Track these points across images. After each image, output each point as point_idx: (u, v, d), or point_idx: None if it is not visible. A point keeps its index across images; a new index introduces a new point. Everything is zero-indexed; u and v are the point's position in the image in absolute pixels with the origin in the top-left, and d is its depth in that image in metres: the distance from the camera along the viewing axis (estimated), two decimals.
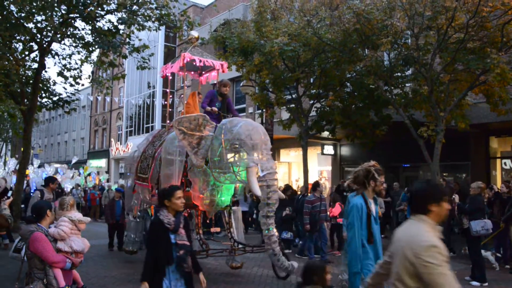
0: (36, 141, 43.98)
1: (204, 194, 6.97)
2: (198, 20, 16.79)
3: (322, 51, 11.81)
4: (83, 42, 13.28)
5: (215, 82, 8.94)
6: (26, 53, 13.91)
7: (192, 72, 9.40)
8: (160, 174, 7.62)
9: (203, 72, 9.26)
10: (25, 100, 13.56)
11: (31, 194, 13.70)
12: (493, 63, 8.54)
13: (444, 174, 12.90)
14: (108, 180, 28.25)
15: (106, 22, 13.29)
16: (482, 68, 9.16)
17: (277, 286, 7.13)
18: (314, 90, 13.24)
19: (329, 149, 16.69)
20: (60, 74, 14.05)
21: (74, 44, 13.65)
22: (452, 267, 2.40)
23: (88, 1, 12.22)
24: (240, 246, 7.55)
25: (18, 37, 13.13)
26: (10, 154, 39.19)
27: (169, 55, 28.41)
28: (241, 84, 14.88)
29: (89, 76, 15.45)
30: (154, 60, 21.63)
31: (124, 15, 12.62)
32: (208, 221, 9.99)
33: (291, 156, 19.17)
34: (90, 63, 14.49)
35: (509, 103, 9.72)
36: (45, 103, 15.20)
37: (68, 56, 14.27)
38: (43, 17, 12.32)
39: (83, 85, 15.96)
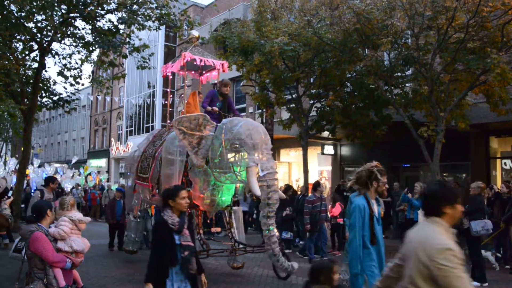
0: (36, 141, 43.98)
1: (205, 194, 6.96)
2: (198, 20, 16.78)
3: (322, 51, 11.81)
4: (83, 41, 13.28)
5: (216, 82, 8.93)
6: (26, 52, 13.92)
7: (193, 72, 9.39)
8: (160, 174, 7.62)
9: (204, 72, 9.26)
10: (25, 100, 13.57)
11: (32, 194, 13.70)
12: (493, 63, 8.54)
13: (444, 174, 12.90)
14: (108, 180, 28.26)
15: (106, 21, 13.30)
16: (482, 68, 9.16)
17: (278, 287, 7.13)
18: (314, 90, 13.24)
19: (329, 149, 16.68)
20: (60, 73, 14.06)
21: (74, 44, 13.65)
22: None
23: (88, 1, 12.22)
24: (240, 246, 7.54)
25: (18, 37, 13.13)
26: (10, 154, 39.20)
27: (169, 55, 28.39)
28: (241, 84, 14.87)
29: (89, 75, 15.45)
30: (154, 59, 21.62)
31: (124, 15, 12.62)
32: (208, 221, 10.01)
33: (291, 156, 19.17)
34: (90, 62, 14.49)
35: (509, 103, 9.72)
36: (45, 103, 15.21)
37: (68, 56, 14.28)
38: (43, 16, 12.31)
39: (83, 84, 15.96)
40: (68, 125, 45.24)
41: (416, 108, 11.10)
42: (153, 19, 13.01)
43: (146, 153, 8.47)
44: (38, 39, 12.90)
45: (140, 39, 13.37)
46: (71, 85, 14.52)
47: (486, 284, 7.16)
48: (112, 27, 13.04)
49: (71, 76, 14.30)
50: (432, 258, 2.22)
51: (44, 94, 14.82)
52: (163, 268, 3.58)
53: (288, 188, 11.60)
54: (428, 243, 2.28)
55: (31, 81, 13.95)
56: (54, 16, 12.16)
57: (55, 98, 15.04)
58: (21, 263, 4.42)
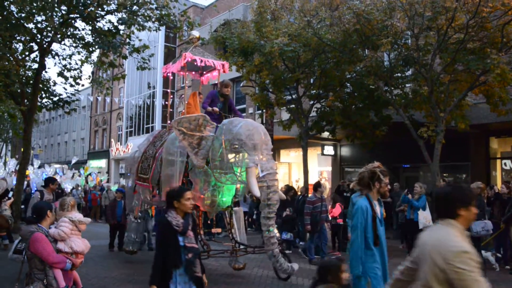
0: (36, 142, 44.01)
1: (205, 195, 6.96)
2: (198, 21, 16.82)
3: (322, 51, 11.81)
4: (83, 42, 13.29)
5: (216, 82, 8.93)
6: (26, 53, 13.93)
7: (193, 72, 9.38)
8: (161, 174, 7.62)
9: (204, 72, 9.25)
10: (25, 101, 13.57)
11: (32, 195, 13.70)
12: (493, 63, 8.54)
13: (444, 174, 12.90)
14: (108, 181, 28.25)
15: (106, 22, 13.32)
16: (482, 68, 9.16)
17: (278, 287, 7.13)
18: (314, 91, 13.24)
19: (329, 150, 16.68)
20: (60, 74, 14.07)
21: (74, 45, 13.67)
22: None
23: (88, 2, 12.23)
24: (241, 247, 7.54)
25: (18, 38, 13.15)
26: (10, 155, 39.20)
27: (169, 56, 28.40)
28: (241, 85, 14.88)
29: (89, 76, 15.47)
30: (154, 60, 21.63)
31: (124, 16, 12.63)
32: (209, 222, 10.01)
33: (291, 157, 19.17)
34: (90, 63, 14.51)
35: (509, 104, 9.72)
36: (45, 104, 15.21)
37: (68, 57, 14.30)
38: (43, 17, 12.33)
39: (83, 85, 15.99)
40: (68, 126, 45.25)
41: (416, 108, 11.11)
42: (153, 19, 13.02)
43: (147, 154, 8.46)
44: (38, 40, 12.91)
45: (140, 40, 13.38)
46: (71, 85, 14.53)
47: None
48: (112, 28, 13.05)
49: (71, 76, 14.31)
50: (449, 261, 2.18)
51: (44, 95, 14.83)
52: (167, 270, 3.53)
53: (289, 189, 11.60)
54: (444, 246, 2.24)
55: (31, 81, 13.96)
56: (54, 17, 12.17)
57: (55, 98, 15.05)
58: (21, 264, 4.41)
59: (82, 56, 14.19)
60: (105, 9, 12.59)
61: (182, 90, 27.15)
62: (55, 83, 15.02)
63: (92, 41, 13.20)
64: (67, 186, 21.76)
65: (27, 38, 12.88)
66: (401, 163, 14.60)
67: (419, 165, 13.89)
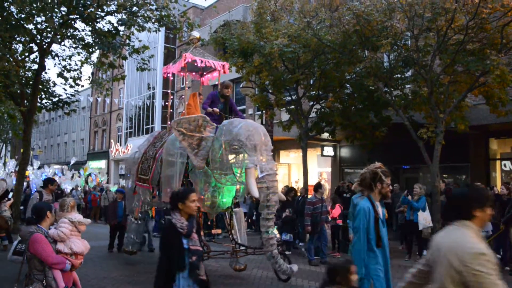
0: (35, 142, 43.98)
1: (205, 196, 6.95)
2: (198, 21, 16.83)
3: (322, 52, 11.82)
4: (83, 43, 13.30)
5: (216, 83, 8.92)
6: (26, 54, 13.94)
7: (193, 73, 9.37)
8: (161, 175, 7.61)
9: (205, 73, 9.24)
10: (25, 101, 13.58)
11: (31, 195, 13.70)
12: (492, 64, 8.55)
13: (444, 175, 12.90)
14: (108, 181, 28.23)
15: (106, 23, 13.35)
16: (482, 69, 9.17)
17: None
18: (314, 92, 13.24)
19: (329, 151, 16.68)
20: (60, 75, 14.07)
21: (74, 45, 13.69)
22: None
23: (88, 2, 12.24)
24: (241, 248, 7.53)
25: (18, 38, 13.16)
26: (10, 155, 39.18)
27: (169, 57, 28.42)
28: (241, 86, 14.88)
29: (89, 77, 15.48)
30: (154, 61, 21.64)
31: (124, 16, 12.65)
32: (209, 223, 10.00)
33: (291, 158, 19.17)
34: (90, 64, 14.51)
35: (509, 105, 9.73)
36: (45, 104, 15.22)
37: (68, 57, 14.31)
38: (43, 18, 12.34)
39: (83, 86, 16.01)
40: (68, 127, 45.25)
41: (416, 109, 11.11)
42: (152, 20, 13.03)
43: (147, 155, 8.46)
44: (38, 41, 12.92)
45: (140, 41, 13.39)
46: (71, 86, 14.54)
47: None
48: (112, 29, 13.06)
49: (70, 77, 14.32)
50: (466, 263, 2.14)
51: (43, 96, 14.83)
52: (171, 273, 3.48)
53: (290, 189, 11.61)
54: (460, 248, 2.20)
55: (31, 82, 13.97)
56: (54, 17, 12.18)
57: (55, 99, 15.06)
58: (20, 264, 4.41)
59: (82, 57, 14.21)
60: (105, 10, 12.61)
61: (182, 91, 27.15)
62: (55, 84, 15.04)
63: (92, 42, 13.21)
64: (67, 187, 21.75)
65: (27, 39, 12.90)
66: (400, 164, 14.61)
67: (418, 166, 13.89)
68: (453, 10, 8.95)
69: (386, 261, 3.66)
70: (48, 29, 12.38)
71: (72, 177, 24.27)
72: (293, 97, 13.38)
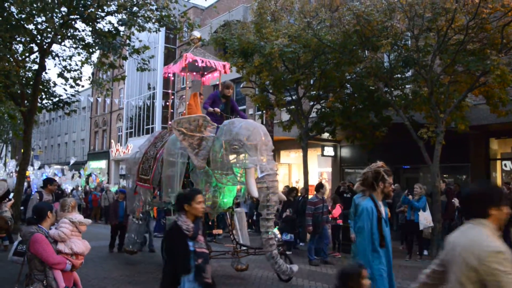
0: (36, 143, 43.98)
1: (206, 196, 6.95)
2: (198, 22, 16.83)
3: (322, 52, 11.81)
4: (83, 43, 13.30)
5: (217, 83, 8.92)
6: (27, 54, 13.94)
7: (194, 73, 9.37)
8: (161, 175, 7.61)
9: (205, 73, 9.23)
10: (25, 102, 13.58)
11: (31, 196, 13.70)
12: (493, 64, 8.55)
13: (444, 175, 12.89)
14: (108, 181, 28.23)
15: (106, 23, 13.33)
16: (482, 69, 9.17)
17: None
18: (314, 92, 13.24)
19: (329, 151, 16.68)
20: (60, 75, 14.08)
21: (74, 46, 13.69)
22: None
23: (89, 3, 12.25)
24: (242, 248, 7.52)
25: (18, 39, 13.16)
26: (10, 156, 39.20)
27: (169, 57, 28.42)
28: (241, 86, 14.88)
29: (89, 77, 15.47)
30: (154, 61, 21.62)
31: (124, 17, 12.65)
32: (210, 223, 10.01)
33: (291, 158, 19.17)
34: (90, 64, 14.51)
35: (509, 105, 9.72)
36: (45, 105, 15.22)
37: (68, 58, 14.32)
38: (44, 18, 12.34)
39: (83, 86, 16.02)
40: (68, 127, 45.26)
41: (416, 109, 11.11)
42: (153, 21, 13.03)
43: (148, 155, 8.46)
44: (38, 41, 12.93)
45: (140, 41, 13.39)
46: (71, 86, 14.54)
47: None
48: (112, 29, 13.07)
49: (71, 77, 14.32)
50: (483, 262, 2.11)
51: (44, 96, 14.84)
52: (176, 276, 3.42)
53: (291, 190, 11.63)
54: (477, 246, 2.16)
55: (31, 82, 13.97)
56: (54, 18, 12.18)
57: (55, 99, 15.07)
58: (21, 265, 4.41)
59: (82, 57, 14.21)
60: (105, 10, 12.61)
61: (182, 91, 27.14)
62: (55, 84, 15.05)
63: (92, 42, 13.21)
64: (67, 187, 21.76)
65: (27, 39, 12.90)
66: (401, 164, 14.60)
67: (419, 166, 13.88)
68: (453, 10, 8.95)
69: (389, 261, 3.64)
70: (49, 29, 12.39)
71: (73, 177, 24.27)
72: (294, 97, 13.38)
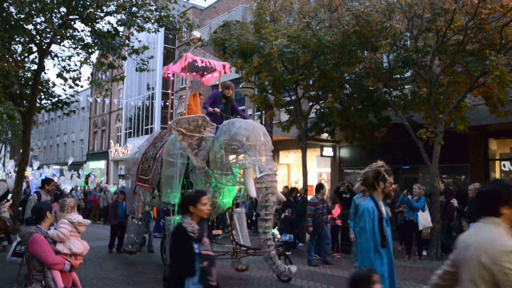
0: (35, 143, 43.95)
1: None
2: (197, 22, 16.80)
3: (321, 53, 11.82)
4: (83, 43, 13.28)
5: (217, 83, 8.91)
6: (26, 54, 13.92)
7: (194, 73, 9.35)
8: (161, 175, 7.61)
9: (205, 73, 9.22)
10: (24, 102, 13.56)
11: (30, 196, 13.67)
12: (492, 65, 8.56)
13: (443, 176, 12.91)
14: (107, 182, 28.21)
15: (105, 23, 13.35)
16: (481, 70, 9.18)
17: None
18: (313, 92, 13.24)
19: (328, 151, 16.68)
20: (59, 75, 14.05)
21: (73, 46, 13.66)
22: None
23: (88, 3, 12.23)
24: (242, 248, 7.51)
25: (17, 39, 13.14)
26: (9, 156, 39.15)
27: (169, 57, 28.41)
28: (240, 86, 14.88)
29: (89, 77, 15.46)
30: (153, 61, 21.63)
31: (123, 17, 12.64)
32: (209, 224, 10.00)
33: (290, 158, 19.17)
34: (90, 64, 14.49)
35: (508, 105, 9.74)
36: (44, 105, 15.20)
37: (67, 58, 14.29)
38: (43, 18, 12.32)
39: (82, 86, 15.98)
40: (67, 127, 45.22)
41: (415, 110, 11.11)
42: (152, 21, 13.02)
43: (147, 155, 8.45)
44: (37, 41, 12.91)
45: (139, 41, 13.39)
46: (70, 87, 14.52)
47: None
48: (111, 29, 13.05)
49: (70, 78, 14.30)
50: (496, 261, 2.07)
51: (43, 96, 14.81)
52: (181, 278, 3.38)
53: (292, 190, 11.63)
54: (490, 245, 2.13)
55: (30, 83, 13.95)
56: (54, 18, 12.17)
57: (54, 100, 15.04)
58: (19, 265, 4.41)
59: (81, 58, 14.18)
60: (105, 11, 12.59)
61: (182, 91, 27.14)
62: (54, 84, 15.02)
63: (91, 42, 13.19)
64: (67, 187, 21.74)
65: (26, 39, 12.88)
66: (400, 165, 14.60)
67: (418, 167, 13.89)
68: (453, 11, 8.96)
69: (391, 261, 3.63)
70: (48, 30, 12.37)
71: (72, 177, 24.25)
72: (293, 98, 13.38)
